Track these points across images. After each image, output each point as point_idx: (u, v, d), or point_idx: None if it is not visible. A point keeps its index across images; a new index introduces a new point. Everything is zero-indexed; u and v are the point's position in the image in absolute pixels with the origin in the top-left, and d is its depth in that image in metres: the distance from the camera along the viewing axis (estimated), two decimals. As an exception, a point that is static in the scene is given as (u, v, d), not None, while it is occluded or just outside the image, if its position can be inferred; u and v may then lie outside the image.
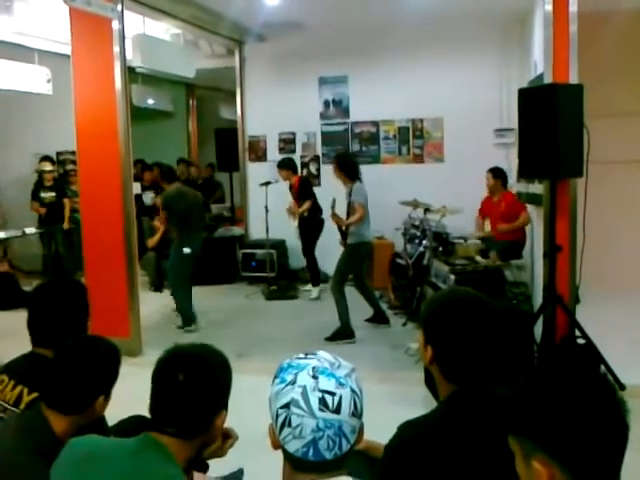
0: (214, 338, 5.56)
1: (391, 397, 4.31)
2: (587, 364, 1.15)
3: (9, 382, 2.12)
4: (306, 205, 7.29)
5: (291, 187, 7.54)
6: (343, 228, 5.89)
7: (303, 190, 7.39)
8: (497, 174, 6.69)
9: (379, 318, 6.11)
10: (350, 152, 7.93)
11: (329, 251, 6.98)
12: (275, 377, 1.33)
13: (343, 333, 5.70)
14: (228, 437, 1.82)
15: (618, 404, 1.08)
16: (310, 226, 7.39)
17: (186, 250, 6.18)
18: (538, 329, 4.53)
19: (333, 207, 5.90)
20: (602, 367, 4.31)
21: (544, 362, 1.21)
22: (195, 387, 1.56)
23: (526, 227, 6.53)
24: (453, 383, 1.66)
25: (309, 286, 7.61)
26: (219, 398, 1.63)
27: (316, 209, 7.37)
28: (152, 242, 7.67)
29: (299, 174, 7.79)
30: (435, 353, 1.68)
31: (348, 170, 5.83)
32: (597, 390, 1.09)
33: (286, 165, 7.47)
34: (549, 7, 4.53)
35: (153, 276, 8.04)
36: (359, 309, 6.02)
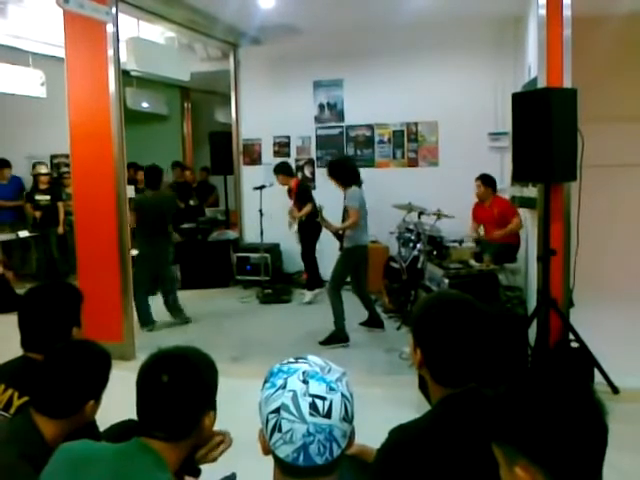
0: (208, 342, 5.55)
1: (385, 401, 4.30)
2: (564, 367, 1.15)
3: (-1, 386, 2.11)
4: (307, 208, 7.25)
5: (290, 191, 7.52)
6: (340, 232, 5.89)
7: (302, 194, 7.37)
8: (488, 182, 6.66)
9: (374, 322, 6.10)
10: (347, 156, 7.89)
11: (327, 256, 6.98)
12: (265, 382, 1.32)
13: (337, 337, 5.70)
14: (221, 442, 1.81)
15: (596, 406, 1.08)
16: (309, 230, 7.37)
17: (133, 252, 6.09)
18: (532, 333, 4.53)
19: (321, 213, 5.90)
20: (596, 370, 4.31)
21: (535, 370, 1.21)
22: (180, 387, 1.55)
23: (520, 231, 6.54)
24: (444, 386, 1.66)
25: (305, 290, 7.61)
26: (205, 398, 1.62)
27: (314, 212, 7.35)
28: None
29: (296, 177, 7.77)
30: (424, 356, 1.68)
31: (340, 176, 5.82)
32: (574, 393, 1.09)
33: (281, 169, 7.45)
34: (543, 11, 4.54)
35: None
36: (354, 313, 6.01)
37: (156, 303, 6.60)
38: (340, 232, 5.87)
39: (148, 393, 1.57)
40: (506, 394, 1.15)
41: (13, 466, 1.74)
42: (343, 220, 5.88)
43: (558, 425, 1.05)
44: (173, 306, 6.67)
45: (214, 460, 1.81)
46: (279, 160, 8.26)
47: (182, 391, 1.55)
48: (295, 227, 7.45)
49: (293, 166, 8.38)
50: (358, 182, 5.86)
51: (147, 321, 6.38)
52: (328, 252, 7.05)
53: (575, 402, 1.08)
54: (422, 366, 1.70)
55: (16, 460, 1.75)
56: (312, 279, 7.52)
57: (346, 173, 5.84)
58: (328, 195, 6.88)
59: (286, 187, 7.52)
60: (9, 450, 1.77)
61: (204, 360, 1.66)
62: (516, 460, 1.08)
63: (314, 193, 7.58)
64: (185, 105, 12.22)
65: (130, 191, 6.22)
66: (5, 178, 8.70)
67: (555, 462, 1.04)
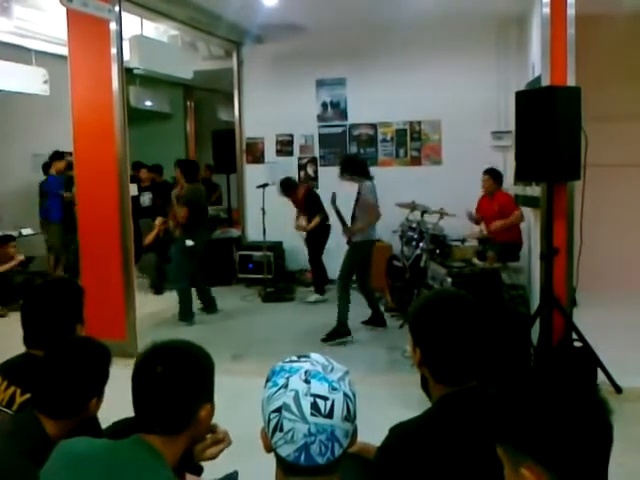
0: (210, 340, 5.54)
1: (387, 399, 4.30)
2: (569, 367, 1.16)
3: (2, 383, 2.11)
4: (316, 220, 7.23)
5: (294, 201, 7.46)
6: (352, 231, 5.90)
7: (310, 202, 7.35)
8: (496, 176, 6.68)
9: (376, 320, 6.10)
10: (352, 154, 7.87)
11: (333, 255, 6.99)
12: (267, 380, 1.32)
13: (339, 332, 5.71)
14: (221, 440, 1.80)
15: (600, 404, 1.07)
16: (317, 234, 7.37)
17: (189, 242, 6.22)
18: (535, 332, 4.52)
19: (334, 202, 5.91)
20: (599, 370, 4.30)
21: (539, 370, 1.20)
22: (174, 378, 1.54)
23: (522, 227, 6.53)
24: (443, 385, 1.66)
25: (311, 288, 7.60)
26: (201, 389, 1.61)
27: (324, 219, 7.33)
28: (148, 239, 7.73)
29: (301, 186, 7.67)
30: (423, 354, 1.68)
31: (356, 169, 5.87)
32: (578, 392, 1.09)
33: (288, 187, 7.39)
34: (547, 9, 4.53)
35: (154, 278, 8.00)
36: (356, 311, 6.01)
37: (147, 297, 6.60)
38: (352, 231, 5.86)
39: (143, 386, 1.57)
40: (509, 394, 1.14)
41: (16, 463, 1.74)
42: (353, 214, 5.90)
43: (562, 425, 1.04)
44: (210, 298, 6.85)
45: (213, 457, 1.80)
46: (282, 159, 8.29)
47: (176, 382, 1.54)
48: (304, 235, 7.44)
49: (295, 164, 8.40)
50: (370, 177, 5.90)
51: (189, 316, 6.48)
52: (334, 251, 7.05)
53: (579, 401, 1.07)
54: (422, 365, 1.70)
55: (19, 456, 1.75)
56: (321, 283, 7.49)
57: (361, 166, 5.90)
58: (330, 193, 6.89)
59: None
60: (12, 446, 1.77)
61: (199, 352, 1.66)
62: (521, 460, 1.07)
63: (317, 191, 7.58)
64: (188, 103, 12.23)
65: (133, 190, 6.23)
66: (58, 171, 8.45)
67: (560, 462, 1.04)
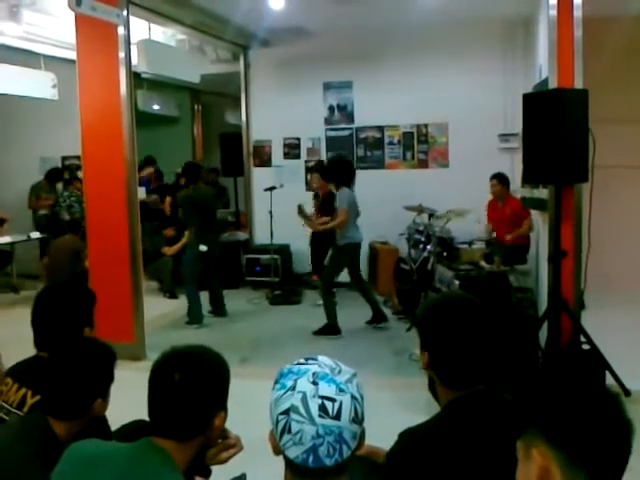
0: (218, 343, 5.54)
1: (394, 403, 4.30)
2: (591, 370, 1.18)
3: (13, 385, 2.13)
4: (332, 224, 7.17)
5: (322, 192, 7.32)
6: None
7: (330, 204, 7.32)
8: (504, 181, 6.68)
9: (378, 317, 6.13)
10: (339, 155, 7.61)
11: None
12: (275, 382, 1.32)
13: (329, 330, 5.91)
14: (233, 445, 1.81)
15: (619, 407, 1.08)
16: (323, 239, 7.34)
17: (202, 247, 6.25)
18: (543, 335, 4.51)
19: (301, 209, 6.36)
20: (607, 373, 4.28)
21: (549, 368, 1.21)
22: (192, 386, 1.55)
23: (530, 233, 6.53)
24: (450, 387, 1.66)
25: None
26: (217, 397, 1.62)
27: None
28: (172, 250, 7.75)
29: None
30: (430, 357, 1.68)
31: (336, 177, 6.02)
32: (599, 388, 1.10)
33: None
34: (554, 12, 4.52)
35: (169, 282, 7.98)
36: (360, 313, 6.03)
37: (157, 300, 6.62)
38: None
39: (159, 391, 1.57)
40: (536, 387, 1.15)
41: (25, 464, 1.75)
42: (332, 219, 6.14)
43: (583, 415, 1.05)
44: (221, 301, 6.85)
45: (224, 462, 1.81)
46: (289, 162, 8.28)
47: (194, 390, 1.55)
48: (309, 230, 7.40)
49: (303, 167, 8.40)
50: (350, 183, 6.02)
51: (199, 318, 6.51)
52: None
53: (599, 397, 1.09)
54: (428, 367, 1.70)
55: (28, 457, 1.76)
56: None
57: (345, 174, 6.02)
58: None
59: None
60: (22, 448, 1.79)
61: (216, 359, 1.66)
62: (534, 443, 1.07)
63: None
64: (195, 107, 12.25)
65: (141, 192, 6.25)
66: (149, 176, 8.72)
67: (580, 450, 1.04)
